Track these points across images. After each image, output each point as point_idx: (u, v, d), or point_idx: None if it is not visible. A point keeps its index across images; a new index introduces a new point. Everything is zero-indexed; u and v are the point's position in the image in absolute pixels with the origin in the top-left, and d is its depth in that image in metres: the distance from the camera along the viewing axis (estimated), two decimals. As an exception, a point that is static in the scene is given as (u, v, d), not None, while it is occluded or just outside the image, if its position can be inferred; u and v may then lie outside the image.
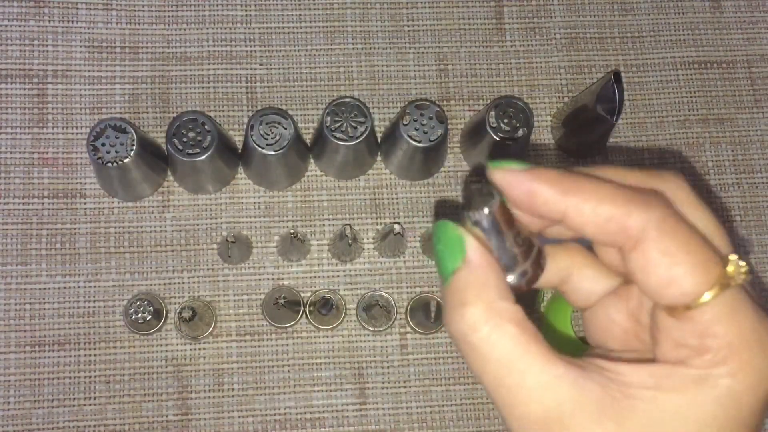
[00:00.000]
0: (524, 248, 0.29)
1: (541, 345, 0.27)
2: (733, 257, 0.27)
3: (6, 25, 0.66)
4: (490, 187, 0.28)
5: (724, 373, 0.26)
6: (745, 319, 0.26)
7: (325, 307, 0.60)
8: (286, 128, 0.59)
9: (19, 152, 0.64)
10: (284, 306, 0.61)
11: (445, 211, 0.65)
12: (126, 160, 0.58)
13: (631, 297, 0.31)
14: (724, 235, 0.28)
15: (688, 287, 0.26)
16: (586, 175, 0.28)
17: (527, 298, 0.61)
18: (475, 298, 0.27)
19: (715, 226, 0.28)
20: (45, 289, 0.62)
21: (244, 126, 0.61)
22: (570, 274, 0.32)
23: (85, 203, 0.63)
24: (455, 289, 0.28)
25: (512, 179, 0.28)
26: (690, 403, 0.26)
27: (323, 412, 0.61)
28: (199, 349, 0.61)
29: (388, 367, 0.62)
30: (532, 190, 0.28)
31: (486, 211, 0.28)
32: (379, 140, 0.65)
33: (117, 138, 0.58)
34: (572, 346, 0.60)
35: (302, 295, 0.62)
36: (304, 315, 0.62)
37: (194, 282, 0.63)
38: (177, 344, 0.61)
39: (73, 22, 0.67)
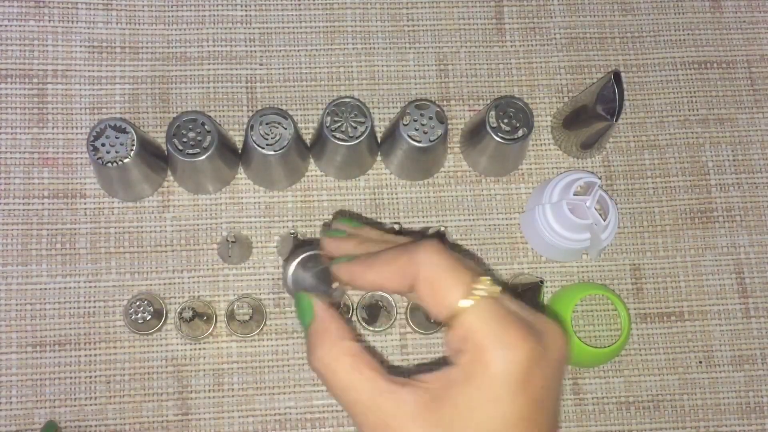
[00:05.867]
0: (329, 277, 0.42)
1: (372, 369, 0.38)
2: (484, 278, 0.36)
3: (6, 25, 0.66)
4: (301, 251, 0.42)
5: (479, 367, 0.35)
6: (492, 324, 0.35)
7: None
8: (286, 128, 0.59)
9: (19, 152, 0.64)
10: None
11: (445, 210, 0.65)
12: (126, 160, 0.58)
13: None
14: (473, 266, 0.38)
15: (448, 302, 0.36)
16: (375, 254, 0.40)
17: (529, 298, 0.61)
18: (321, 341, 0.38)
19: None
20: (45, 289, 0.62)
21: (244, 126, 0.61)
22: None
23: (85, 203, 0.63)
24: (309, 335, 0.39)
25: (354, 272, 0.40)
26: (467, 394, 0.35)
27: (323, 412, 0.61)
28: (199, 349, 0.62)
29: (388, 367, 0.62)
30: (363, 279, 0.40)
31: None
32: (379, 140, 0.65)
33: (117, 138, 0.58)
34: (575, 348, 0.60)
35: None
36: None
37: (194, 282, 0.63)
38: (177, 344, 0.61)
39: (73, 22, 0.67)
